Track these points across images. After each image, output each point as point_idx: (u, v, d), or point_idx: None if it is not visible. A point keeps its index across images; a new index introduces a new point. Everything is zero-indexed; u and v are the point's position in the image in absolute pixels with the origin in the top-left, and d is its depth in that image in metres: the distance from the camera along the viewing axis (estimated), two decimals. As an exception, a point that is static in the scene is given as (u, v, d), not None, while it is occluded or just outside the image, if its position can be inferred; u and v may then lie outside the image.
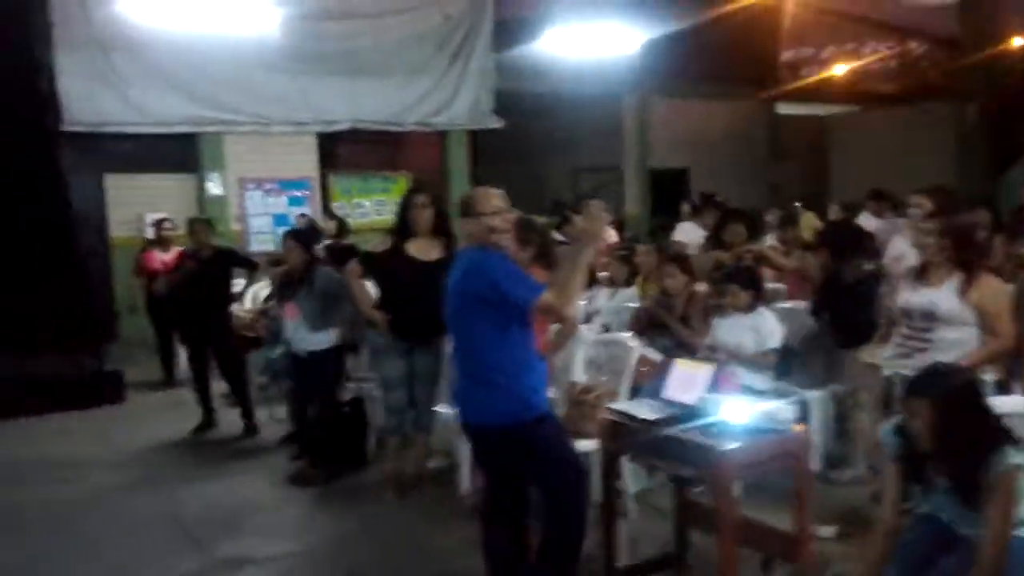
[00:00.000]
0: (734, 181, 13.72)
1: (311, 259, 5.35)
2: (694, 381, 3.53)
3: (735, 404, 3.30)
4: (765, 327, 4.75)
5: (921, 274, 3.91)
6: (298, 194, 11.82)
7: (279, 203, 11.73)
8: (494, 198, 3.30)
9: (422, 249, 4.77)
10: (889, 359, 3.99)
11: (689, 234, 7.62)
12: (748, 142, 14.79)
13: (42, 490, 5.28)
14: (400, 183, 12.30)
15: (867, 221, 8.13)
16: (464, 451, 4.85)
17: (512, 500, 3.35)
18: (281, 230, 11.42)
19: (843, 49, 14.78)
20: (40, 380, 7.00)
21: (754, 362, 4.62)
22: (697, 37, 11.89)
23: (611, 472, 3.66)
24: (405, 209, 4.84)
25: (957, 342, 3.77)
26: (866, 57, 14.65)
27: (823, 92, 14.41)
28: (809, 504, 3.32)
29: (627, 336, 4.75)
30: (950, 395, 2.73)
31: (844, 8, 13.32)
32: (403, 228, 4.82)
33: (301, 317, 5.17)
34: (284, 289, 5.35)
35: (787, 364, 4.90)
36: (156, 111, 9.78)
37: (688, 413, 3.34)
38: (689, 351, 4.74)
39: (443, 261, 4.70)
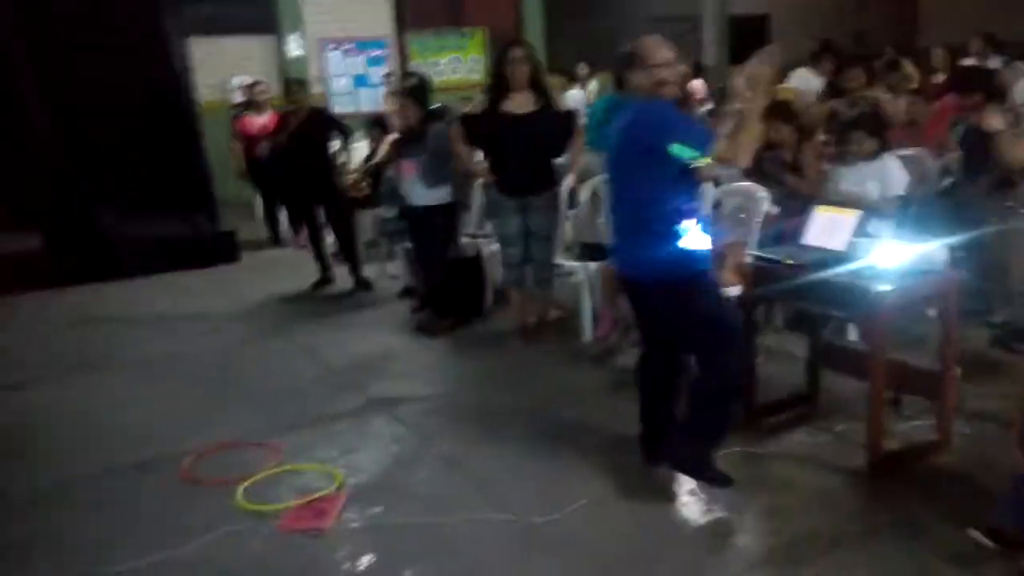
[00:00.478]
0: (817, 28, 13.15)
1: (425, 115, 5.41)
2: (838, 227, 3.61)
3: (886, 247, 3.38)
4: (890, 174, 4.74)
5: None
6: (376, 54, 11.75)
7: (357, 63, 11.71)
8: (663, 49, 3.17)
9: (519, 104, 4.80)
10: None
11: (806, 82, 7.33)
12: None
13: (197, 340, 5.65)
14: (476, 39, 12.11)
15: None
16: (586, 303, 5.05)
17: (666, 359, 3.41)
18: (362, 90, 11.52)
19: None
20: (162, 240, 7.33)
21: (879, 209, 4.64)
22: None
23: (751, 316, 3.81)
24: (501, 64, 4.83)
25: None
26: None
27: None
28: (953, 345, 3.44)
29: (755, 185, 4.78)
30: None
31: None
32: (499, 84, 4.83)
33: (418, 174, 5.29)
34: (401, 146, 5.44)
35: (906, 212, 4.91)
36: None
37: (836, 258, 3.44)
38: (802, 201, 4.76)
39: (540, 114, 4.77)
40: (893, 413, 3.76)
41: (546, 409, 4.22)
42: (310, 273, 6.79)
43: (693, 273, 3.16)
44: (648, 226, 3.16)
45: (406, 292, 6.14)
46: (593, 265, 5.02)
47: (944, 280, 3.36)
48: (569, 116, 5.04)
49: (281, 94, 7.33)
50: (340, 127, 6.71)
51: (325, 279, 6.75)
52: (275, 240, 8.37)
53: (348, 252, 6.62)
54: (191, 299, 6.71)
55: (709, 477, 3.27)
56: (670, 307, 3.21)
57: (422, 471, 3.68)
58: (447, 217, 5.43)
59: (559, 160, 5.04)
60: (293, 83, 6.89)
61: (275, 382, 4.84)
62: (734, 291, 3.88)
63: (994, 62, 7.96)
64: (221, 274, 7.45)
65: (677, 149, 2.97)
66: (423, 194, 5.33)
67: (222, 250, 7.60)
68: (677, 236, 3.12)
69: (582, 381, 4.55)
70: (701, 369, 3.24)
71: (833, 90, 5.85)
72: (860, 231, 3.56)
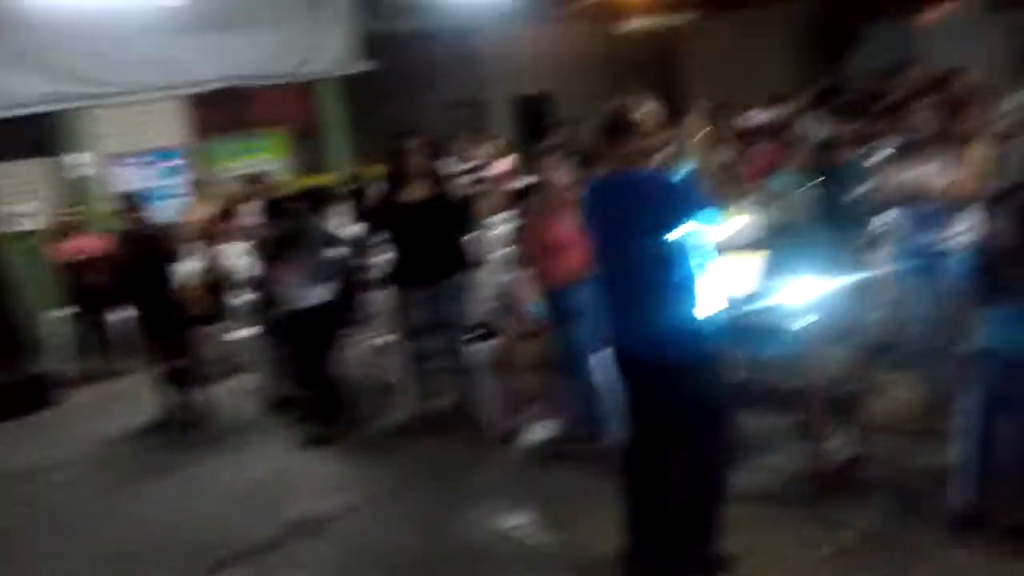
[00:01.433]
0: (597, 102, 14.20)
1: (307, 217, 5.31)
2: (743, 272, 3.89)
3: (794, 287, 3.68)
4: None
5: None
6: (171, 164, 11.20)
7: (150, 175, 11.09)
8: (654, 114, 3.03)
9: (416, 192, 4.85)
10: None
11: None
12: (597, 62, 15.25)
13: (53, 497, 5.00)
14: (277, 139, 11.90)
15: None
16: (485, 387, 5.03)
17: (656, 451, 3.20)
18: (157, 203, 10.88)
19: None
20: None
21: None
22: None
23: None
24: (396, 155, 4.88)
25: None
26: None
27: (665, 4, 15.04)
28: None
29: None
30: None
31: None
32: (395, 174, 4.87)
33: (301, 275, 5.11)
34: (278, 249, 5.23)
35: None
36: (9, 92, 8.94)
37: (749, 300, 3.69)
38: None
39: (437, 200, 4.84)
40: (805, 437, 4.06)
41: (476, 505, 4.15)
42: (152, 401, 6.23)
43: (702, 351, 3.00)
44: (656, 300, 2.98)
45: (283, 403, 5.80)
46: (486, 345, 5.03)
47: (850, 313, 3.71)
48: (466, 201, 5.11)
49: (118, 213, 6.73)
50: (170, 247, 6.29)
51: (180, 406, 6.23)
52: (108, 370, 7.62)
53: (190, 376, 6.14)
54: (23, 449, 5.94)
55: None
56: (673, 387, 3.03)
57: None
58: (332, 316, 5.24)
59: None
60: (128, 199, 6.41)
61: (173, 525, 4.39)
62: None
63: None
64: (68, 415, 6.66)
65: (692, 218, 2.89)
66: (307, 295, 5.13)
67: (38, 394, 6.80)
68: (688, 306, 2.98)
69: (499, 470, 4.51)
70: (699, 454, 3.10)
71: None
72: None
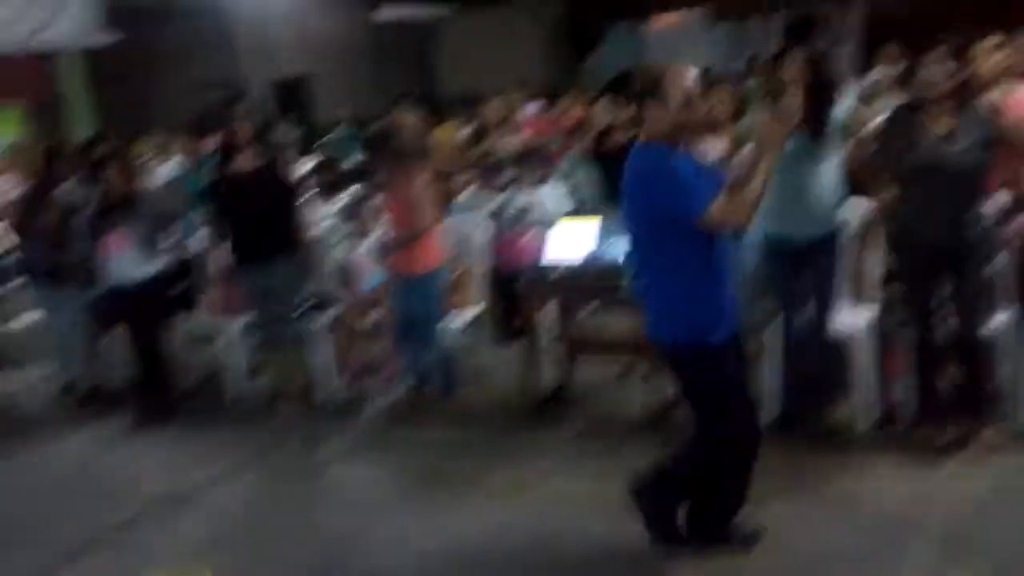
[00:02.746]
0: (351, 91, 14.29)
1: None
2: (581, 235, 4.36)
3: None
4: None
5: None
6: None
7: None
8: (688, 76, 2.74)
9: (244, 163, 4.78)
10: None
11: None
12: (355, 48, 15.32)
13: None
14: (13, 115, 10.73)
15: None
16: (323, 357, 5.08)
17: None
18: None
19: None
20: None
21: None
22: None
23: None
24: (223, 125, 4.80)
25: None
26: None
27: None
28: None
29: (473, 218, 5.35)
30: None
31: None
32: (226, 144, 4.77)
33: (132, 245, 4.86)
34: (103, 217, 4.90)
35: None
36: None
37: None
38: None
39: (265, 171, 4.79)
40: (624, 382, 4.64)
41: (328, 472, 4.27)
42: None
43: (695, 342, 2.87)
44: (665, 285, 2.90)
45: (91, 393, 5.40)
46: (325, 315, 5.09)
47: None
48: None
49: None
50: None
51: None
52: None
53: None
54: None
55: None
56: (680, 373, 3.02)
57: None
58: (166, 289, 5.03)
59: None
60: None
61: (8, 519, 4.06)
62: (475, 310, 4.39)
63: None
64: None
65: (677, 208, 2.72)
66: (138, 268, 4.88)
67: None
68: (690, 295, 2.86)
69: (347, 437, 4.62)
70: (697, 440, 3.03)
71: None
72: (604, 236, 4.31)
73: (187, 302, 5.38)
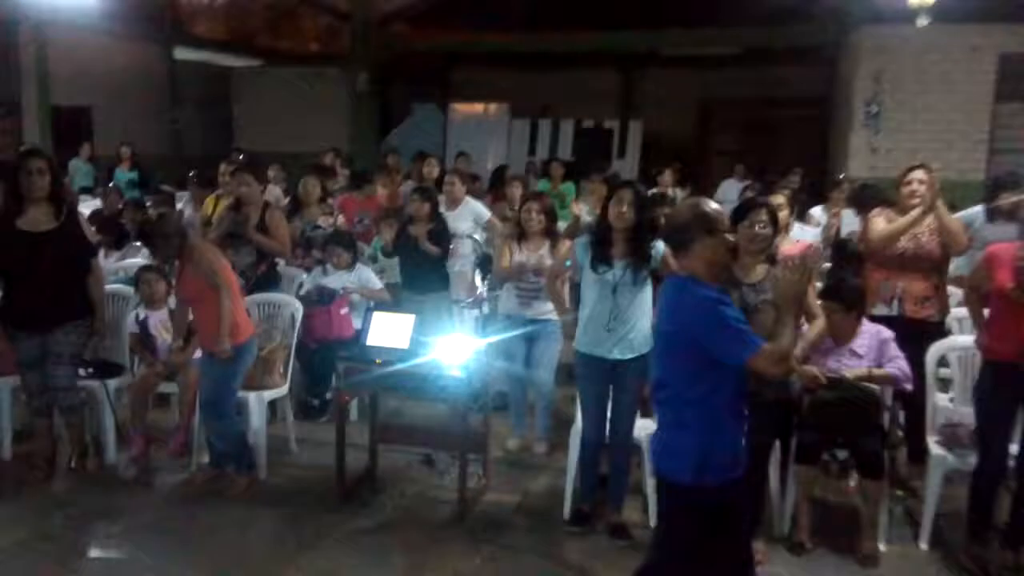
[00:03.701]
0: (138, 123, 13.68)
1: None
2: (398, 327, 4.49)
3: (443, 343, 4.38)
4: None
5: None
6: None
7: None
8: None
9: (35, 220, 4.47)
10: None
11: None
12: (150, 84, 14.69)
13: None
14: None
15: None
16: (108, 422, 4.81)
17: None
18: None
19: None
20: None
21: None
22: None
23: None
24: (18, 174, 4.46)
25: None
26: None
27: (225, 42, 15.11)
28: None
29: (284, 296, 5.30)
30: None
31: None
32: (16, 196, 4.45)
33: None
34: None
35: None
36: None
37: (405, 353, 4.32)
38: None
39: (59, 231, 4.51)
40: (429, 468, 4.81)
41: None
42: None
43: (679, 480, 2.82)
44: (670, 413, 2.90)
45: None
46: (112, 382, 4.85)
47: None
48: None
49: None
50: None
51: None
52: None
53: None
54: None
55: None
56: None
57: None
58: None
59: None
60: None
61: None
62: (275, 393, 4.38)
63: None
64: None
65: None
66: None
67: None
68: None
69: (137, 513, 4.39)
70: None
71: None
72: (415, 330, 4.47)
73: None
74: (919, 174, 4.52)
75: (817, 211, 7.35)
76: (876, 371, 3.99)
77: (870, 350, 4.06)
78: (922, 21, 7.76)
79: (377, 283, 5.79)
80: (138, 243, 6.48)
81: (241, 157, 9.43)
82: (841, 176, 8.99)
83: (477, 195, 8.06)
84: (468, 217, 6.44)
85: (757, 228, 3.71)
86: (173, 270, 4.76)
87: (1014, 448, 3.82)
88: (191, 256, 4.45)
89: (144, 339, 4.96)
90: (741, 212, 3.79)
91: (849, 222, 6.76)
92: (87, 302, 4.62)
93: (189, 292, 4.53)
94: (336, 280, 5.68)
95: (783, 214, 4.43)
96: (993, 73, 10.73)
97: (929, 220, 4.49)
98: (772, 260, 3.78)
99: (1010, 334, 3.70)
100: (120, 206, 7.68)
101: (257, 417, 4.69)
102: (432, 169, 8.01)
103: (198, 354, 4.70)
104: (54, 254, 4.45)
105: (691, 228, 2.78)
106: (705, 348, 2.70)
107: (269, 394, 4.83)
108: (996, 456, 3.80)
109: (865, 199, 6.32)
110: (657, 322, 2.99)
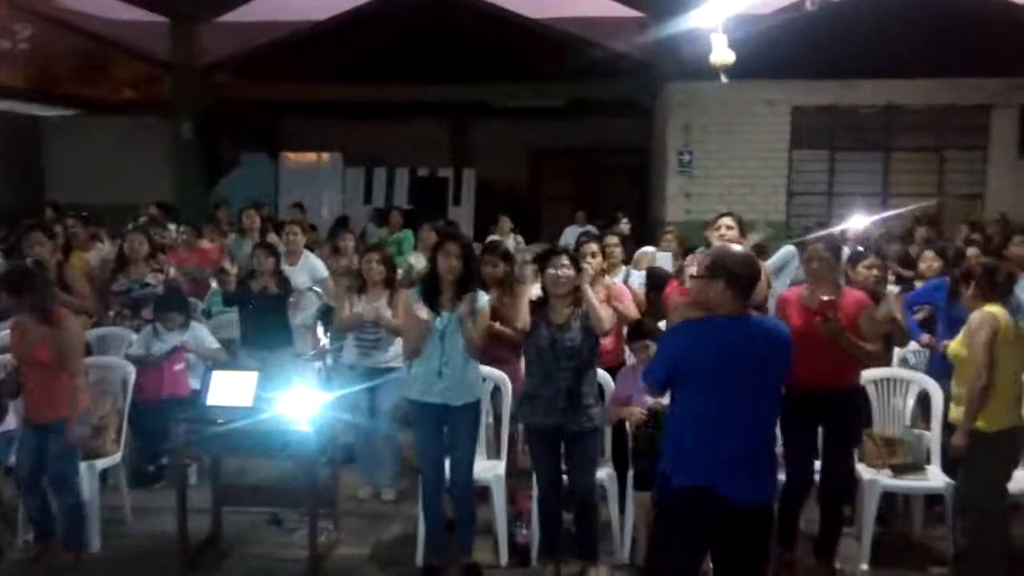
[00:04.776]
0: None
1: None
2: (240, 385, 4.41)
3: (290, 398, 4.35)
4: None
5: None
6: None
7: None
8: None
9: None
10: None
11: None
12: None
13: None
14: None
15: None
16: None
17: None
18: None
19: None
20: None
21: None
22: None
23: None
24: None
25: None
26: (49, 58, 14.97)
27: (30, 91, 14.30)
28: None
29: (115, 359, 5.06)
30: None
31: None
32: None
33: None
34: None
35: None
36: None
37: (248, 411, 4.25)
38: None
39: None
40: (278, 527, 4.73)
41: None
42: None
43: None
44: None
45: None
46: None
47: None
48: None
49: None
50: None
51: None
52: None
53: None
54: None
55: None
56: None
57: None
58: None
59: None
60: None
61: None
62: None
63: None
64: None
65: None
66: None
67: None
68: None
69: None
70: None
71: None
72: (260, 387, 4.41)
73: None
74: (727, 220, 5.00)
75: (649, 251, 7.53)
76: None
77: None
78: (723, 79, 8.47)
79: (213, 341, 5.63)
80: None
81: (55, 211, 8.98)
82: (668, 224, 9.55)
83: (315, 245, 8.04)
84: (306, 271, 6.46)
85: (560, 272, 4.06)
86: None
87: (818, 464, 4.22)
88: (58, 319, 4.22)
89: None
90: (545, 259, 4.18)
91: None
92: None
93: (42, 356, 4.20)
94: (169, 342, 5.48)
95: (617, 251, 4.79)
96: (788, 124, 11.87)
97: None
98: (577, 302, 4.09)
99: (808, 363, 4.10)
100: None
101: (88, 487, 4.44)
102: (252, 220, 7.87)
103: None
104: None
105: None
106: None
107: (102, 463, 4.60)
108: (800, 473, 4.16)
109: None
110: None
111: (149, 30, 13.88)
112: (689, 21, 10.05)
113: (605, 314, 4.14)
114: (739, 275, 3.01)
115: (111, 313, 6.09)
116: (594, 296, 4.17)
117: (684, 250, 6.75)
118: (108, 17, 14.96)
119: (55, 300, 4.35)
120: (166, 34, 13.46)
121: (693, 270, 4.84)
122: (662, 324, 4.68)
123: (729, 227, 4.96)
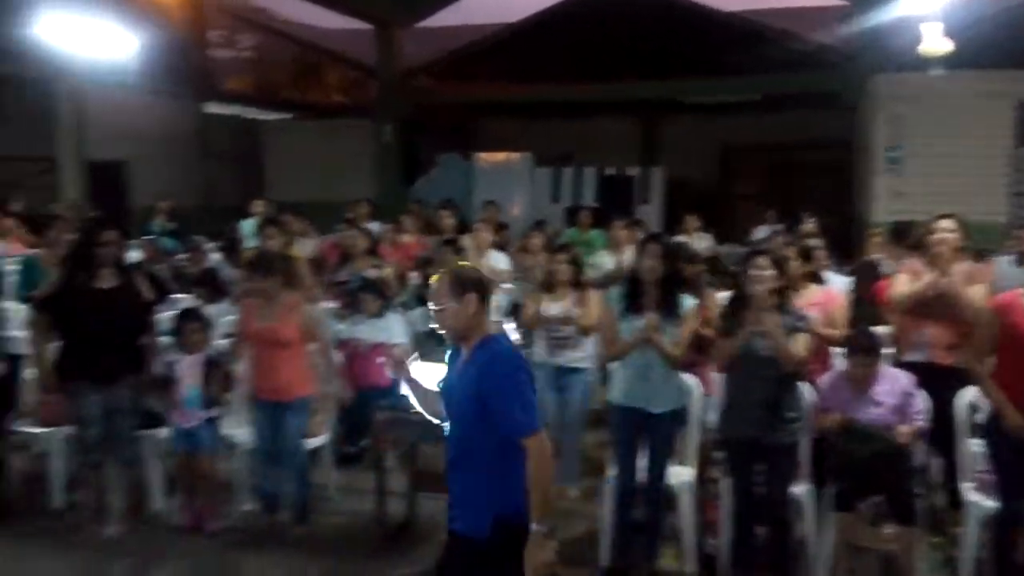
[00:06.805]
0: (171, 176, 14.01)
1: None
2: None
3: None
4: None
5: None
6: None
7: None
8: None
9: (98, 280, 4.65)
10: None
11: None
12: (181, 139, 15.04)
13: None
14: None
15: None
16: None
17: None
18: None
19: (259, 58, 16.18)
20: None
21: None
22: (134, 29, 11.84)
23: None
24: (88, 242, 4.67)
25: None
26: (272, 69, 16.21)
27: (253, 97, 15.51)
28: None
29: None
30: None
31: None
32: (85, 259, 4.63)
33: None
34: None
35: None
36: None
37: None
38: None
39: (120, 289, 4.68)
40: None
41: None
42: None
43: None
44: None
45: None
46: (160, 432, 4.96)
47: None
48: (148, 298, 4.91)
49: None
50: None
51: None
52: None
53: None
54: None
55: None
56: None
57: None
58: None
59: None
60: None
61: None
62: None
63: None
64: None
65: None
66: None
67: None
68: None
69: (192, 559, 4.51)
70: None
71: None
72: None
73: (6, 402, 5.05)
74: (947, 223, 4.60)
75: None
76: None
77: (889, 397, 4.11)
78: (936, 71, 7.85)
79: (403, 334, 5.82)
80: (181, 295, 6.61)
81: (262, 207, 9.72)
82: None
83: (506, 243, 8.26)
84: (485, 268, 6.61)
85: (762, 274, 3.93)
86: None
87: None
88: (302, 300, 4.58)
89: (163, 382, 4.82)
90: (744, 261, 4.10)
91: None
92: (141, 357, 4.77)
93: (289, 334, 4.56)
94: (367, 328, 5.79)
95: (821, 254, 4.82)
96: (1011, 118, 10.83)
97: (963, 266, 4.56)
98: (777, 307, 3.96)
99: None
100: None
101: (307, 464, 4.78)
102: (448, 220, 8.18)
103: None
104: (117, 311, 4.63)
105: None
106: None
107: (313, 442, 4.93)
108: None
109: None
110: None
111: (356, 37, 14.72)
112: (897, 9, 9.40)
113: (795, 348, 3.93)
114: None
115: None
116: (778, 330, 3.90)
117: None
118: (320, 26, 16.00)
119: (300, 283, 4.69)
120: (371, 41, 14.23)
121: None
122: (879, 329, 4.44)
123: (949, 230, 4.58)
